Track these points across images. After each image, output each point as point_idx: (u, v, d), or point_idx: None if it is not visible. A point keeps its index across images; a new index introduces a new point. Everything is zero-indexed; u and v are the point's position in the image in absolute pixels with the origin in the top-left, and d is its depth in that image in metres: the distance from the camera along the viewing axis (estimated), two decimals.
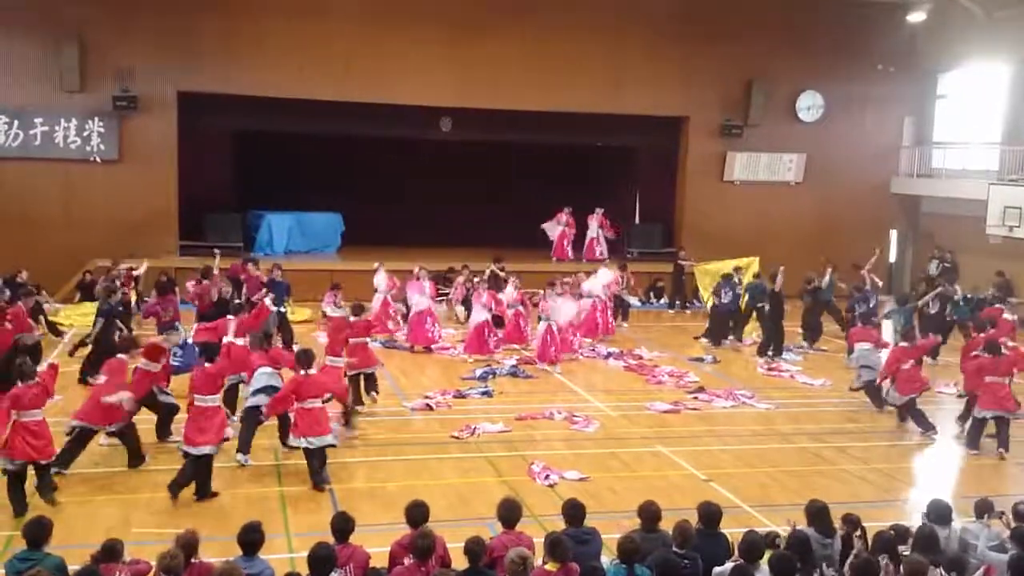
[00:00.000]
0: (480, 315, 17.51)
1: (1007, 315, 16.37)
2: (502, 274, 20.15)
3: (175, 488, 10.18)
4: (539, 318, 17.29)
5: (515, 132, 25.14)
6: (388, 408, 13.98)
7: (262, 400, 11.25)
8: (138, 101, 22.22)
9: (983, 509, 8.21)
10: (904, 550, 7.49)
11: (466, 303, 21.00)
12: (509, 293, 18.16)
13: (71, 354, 15.79)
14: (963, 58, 25.59)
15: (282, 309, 16.95)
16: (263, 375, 11.53)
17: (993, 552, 7.60)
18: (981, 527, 8.03)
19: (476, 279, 19.32)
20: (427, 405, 14.22)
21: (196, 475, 10.27)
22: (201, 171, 23.94)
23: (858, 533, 7.84)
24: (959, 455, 13.27)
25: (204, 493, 10.27)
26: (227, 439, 10.71)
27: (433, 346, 18.00)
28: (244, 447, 11.27)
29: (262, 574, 6.81)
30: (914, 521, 8.03)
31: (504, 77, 23.87)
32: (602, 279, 19.51)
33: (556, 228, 25.06)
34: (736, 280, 19.66)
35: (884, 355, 14.75)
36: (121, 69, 22.13)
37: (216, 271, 17.27)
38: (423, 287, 18.17)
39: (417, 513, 7.41)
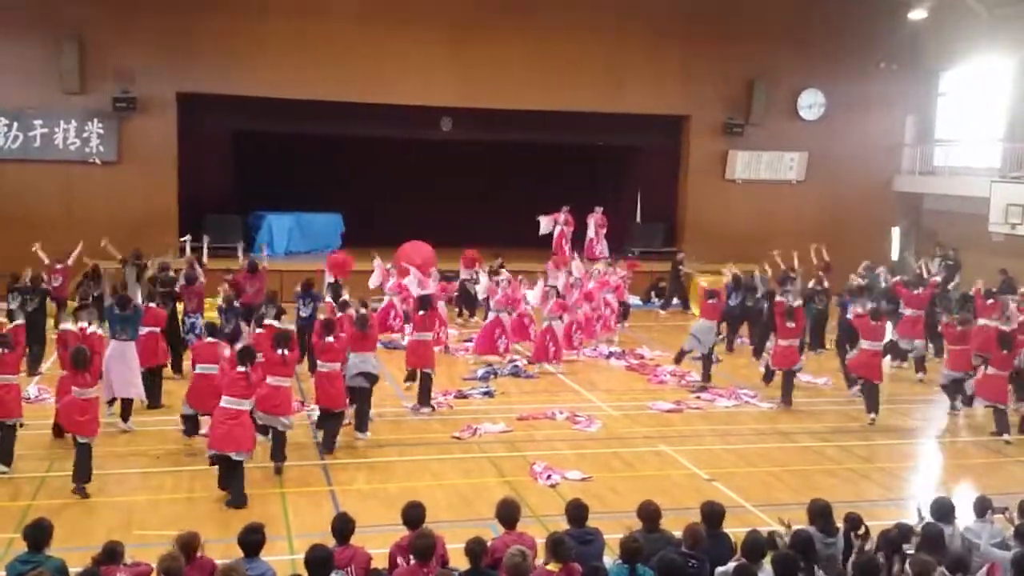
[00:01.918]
0: (492, 314, 17.41)
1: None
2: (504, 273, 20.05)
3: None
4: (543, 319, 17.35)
5: (516, 132, 25.12)
6: (389, 409, 13.95)
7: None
8: (137, 102, 22.21)
9: (983, 507, 8.18)
10: (908, 549, 7.46)
11: (467, 302, 20.98)
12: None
13: None
14: (965, 56, 25.55)
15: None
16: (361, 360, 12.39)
17: (996, 550, 7.56)
18: (983, 525, 7.99)
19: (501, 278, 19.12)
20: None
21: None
22: (201, 172, 23.93)
23: (861, 532, 7.81)
24: (963, 454, 13.25)
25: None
26: None
27: (437, 348, 17.88)
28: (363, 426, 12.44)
29: None
30: (917, 519, 7.98)
31: (505, 77, 23.85)
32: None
33: (552, 225, 24.83)
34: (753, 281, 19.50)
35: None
36: (121, 70, 22.13)
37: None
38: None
39: (414, 514, 7.37)
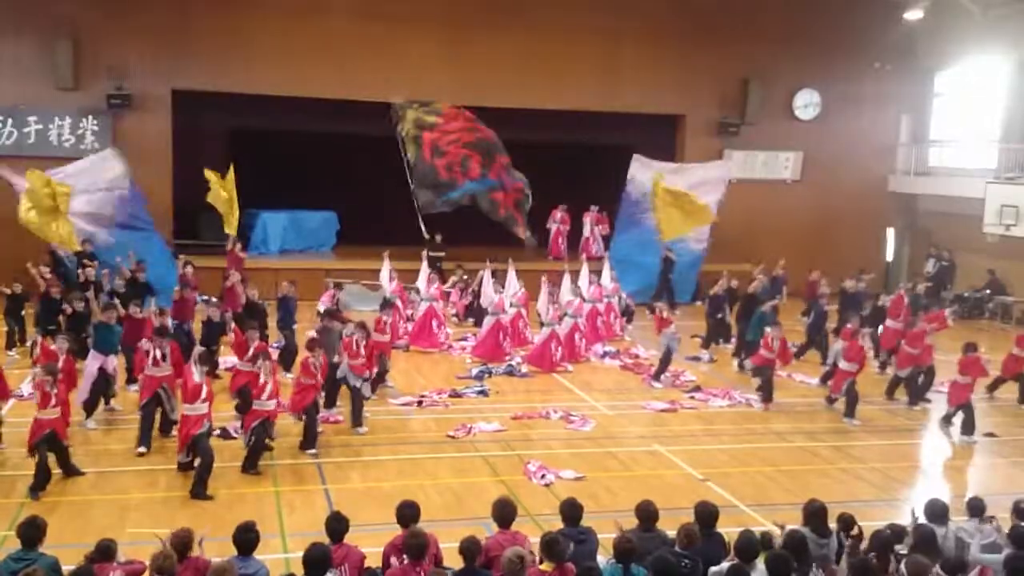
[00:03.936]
0: (492, 318, 17.44)
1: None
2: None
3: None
4: (541, 324, 17.35)
5: (512, 130, 24.90)
6: (383, 407, 13.94)
7: None
8: (132, 99, 22.15)
9: (977, 508, 8.20)
10: (900, 549, 7.48)
11: (467, 306, 20.98)
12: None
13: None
14: (960, 56, 25.61)
15: (294, 326, 16.13)
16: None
17: (987, 553, 7.57)
18: (976, 526, 8.01)
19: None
20: (418, 402, 14.26)
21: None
22: (196, 169, 23.81)
23: (854, 532, 7.83)
24: (956, 454, 13.28)
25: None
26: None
27: (437, 349, 17.93)
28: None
29: (257, 574, 6.78)
30: (910, 520, 8.00)
31: (501, 75, 23.85)
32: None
33: (552, 225, 25.05)
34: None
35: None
36: (115, 67, 22.06)
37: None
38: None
39: (408, 513, 7.37)
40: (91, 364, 12.83)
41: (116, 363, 13.24)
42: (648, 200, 22.76)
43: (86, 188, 19.02)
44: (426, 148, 20.49)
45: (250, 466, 11.07)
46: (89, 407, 12.66)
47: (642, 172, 23.26)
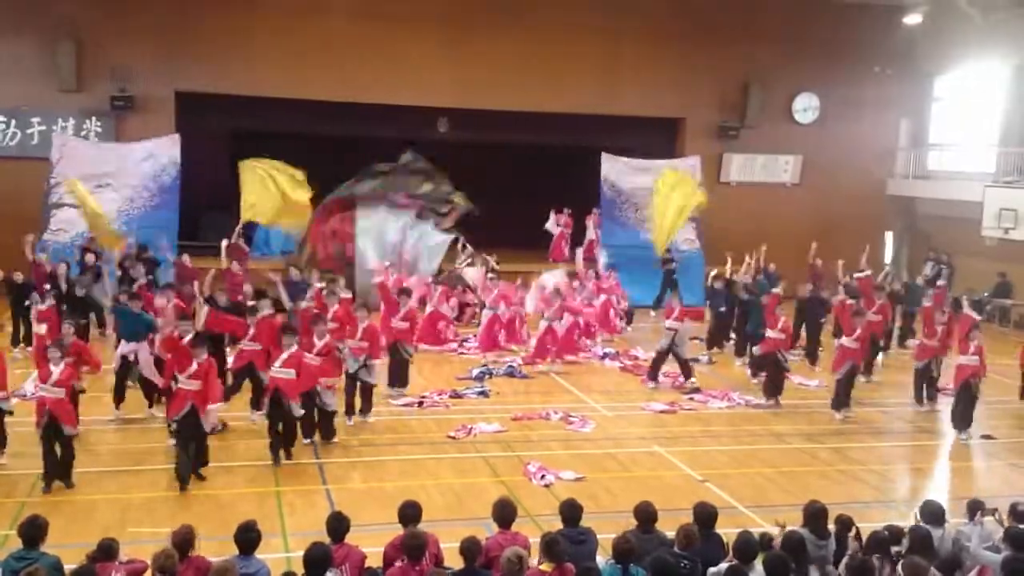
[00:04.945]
0: (488, 312, 17.71)
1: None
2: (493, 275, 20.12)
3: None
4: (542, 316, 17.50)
5: (512, 133, 25.13)
6: (384, 408, 13.98)
7: None
8: (135, 100, 22.23)
9: (975, 509, 8.23)
10: (898, 551, 7.51)
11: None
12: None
13: None
14: (959, 60, 25.66)
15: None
16: None
17: (986, 552, 7.61)
18: (974, 527, 8.05)
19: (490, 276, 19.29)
20: (418, 402, 14.31)
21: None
22: (198, 170, 23.87)
23: (852, 534, 7.85)
24: (954, 456, 13.32)
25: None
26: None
27: (441, 347, 18.05)
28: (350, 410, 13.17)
29: (258, 573, 6.81)
30: (908, 522, 8.04)
31: (502, 77, 23.90)
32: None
33: (555, 228, 25.14)
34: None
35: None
36: (118, 68, 22.12)
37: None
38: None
39: (409, 513, 7.41)
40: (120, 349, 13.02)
41: (147, 356, 12.82)
42: (625, 196, 23.73)
43: (125, 168, 20.81)
44: (324, 239, 22.21)
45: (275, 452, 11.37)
46: (116, 397, 12.91)
47: (613, 170, 23.77)
